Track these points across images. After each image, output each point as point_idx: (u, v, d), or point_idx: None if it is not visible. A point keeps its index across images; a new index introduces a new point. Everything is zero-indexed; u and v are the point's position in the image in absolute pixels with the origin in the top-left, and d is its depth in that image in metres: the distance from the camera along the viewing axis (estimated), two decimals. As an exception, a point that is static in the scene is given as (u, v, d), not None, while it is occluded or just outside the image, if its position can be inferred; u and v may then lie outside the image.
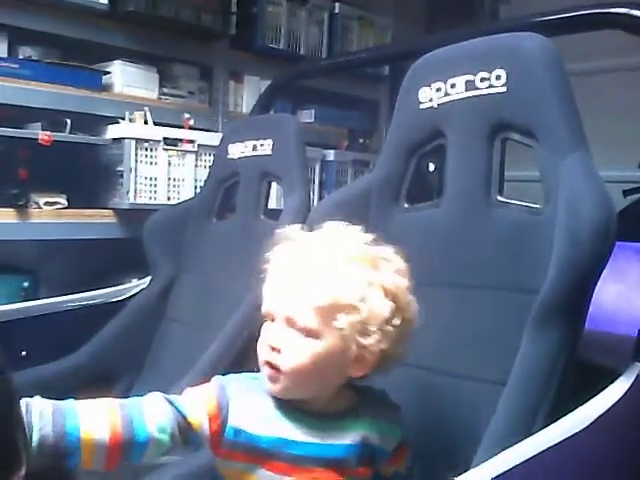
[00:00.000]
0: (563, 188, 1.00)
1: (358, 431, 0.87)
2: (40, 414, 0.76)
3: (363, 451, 0.87)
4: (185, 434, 0.83)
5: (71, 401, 0.81)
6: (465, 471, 0.88)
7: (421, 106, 1.22)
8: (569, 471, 0.86)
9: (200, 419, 0.84)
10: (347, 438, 0.87)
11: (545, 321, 0.94)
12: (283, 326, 0.84)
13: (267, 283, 0.88)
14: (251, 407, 0.86)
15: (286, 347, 0.84)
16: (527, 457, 0.77)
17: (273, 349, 0.84)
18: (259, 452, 0.84)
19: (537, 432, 0.85)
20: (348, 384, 0.91)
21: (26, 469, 0.68)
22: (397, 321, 0.86)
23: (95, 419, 0.79)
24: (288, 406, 0.87)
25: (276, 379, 0.84)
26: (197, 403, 0.85)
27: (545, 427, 0.85)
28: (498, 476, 0.72)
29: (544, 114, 1.06)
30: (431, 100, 1.20)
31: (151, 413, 0.82)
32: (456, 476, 0.83)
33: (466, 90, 1.15)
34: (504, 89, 1.10)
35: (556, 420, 0.86)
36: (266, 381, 0.86)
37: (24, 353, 1.55)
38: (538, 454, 0.79)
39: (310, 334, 0.83)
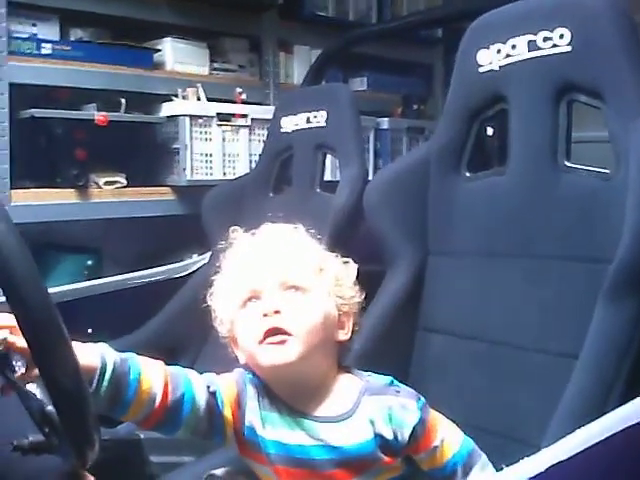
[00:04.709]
0: (634, 152, 0.96)
1: (367, 427, 0.84)
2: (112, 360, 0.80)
3: (378, 444, 0.84)
4: (212, 414, 0.85)
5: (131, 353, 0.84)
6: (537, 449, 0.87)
7: (480, 69, 1.17)
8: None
9: (224, 404, 0.86)
10: (357, 436, 0.84)
11: (619, 292, 0.91)
12: (276, 293, 0.85)
13: (241, 270, 0.88)
14: (260, 411, 0.86)
15: (287, 307, 0.84)
16: (597, 440, 0.74)
17: (276, 312, 0.83)
18: (269, 456, 0.85)
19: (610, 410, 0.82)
20: (351, 381, 0.88)
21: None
22: (356, 287, 0.90)
23: (152, 371, 0.83)
24: (294, 412, 0.86)
25: (285, 342, 0.82)
26: (221, 388, 0.87)
27: (619, 405, 0.82)
28: (569, 458, 0.69)
29: (612, 73, 1.01)
30: (491, 63, 1.16)
31: (194, 380, 0.86)
32: (527, 455, 0.82)
33: (528, 51, 1.10)
34: (569, 48, 1.05)
35: (631, 398, 0.82)
36: (271, 354, 0.83)
37: (90, 331, 1.58)
38: (609, 437, 0.75)
39: (305, 290, 0.86)
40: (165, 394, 0.82)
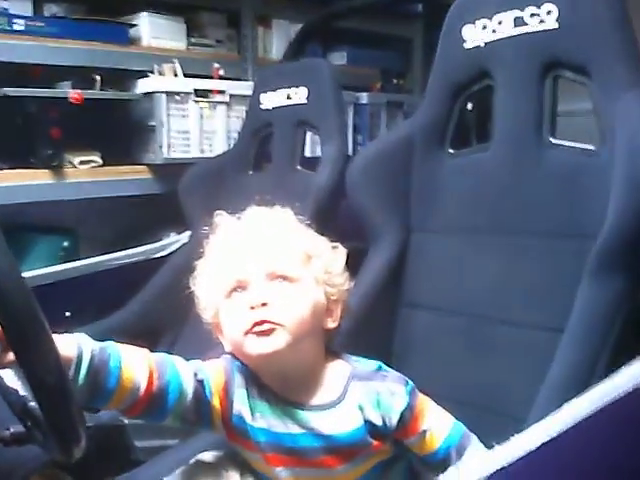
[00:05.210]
0: (620, 129, 0.95)
1: (356, 413, 0.83)
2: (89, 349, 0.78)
3: (368, 429, 0.83)
4: (200, 402, 0.83)
5: (111, 342, 0.82)
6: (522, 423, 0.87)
7: (465, 45, 1.16)
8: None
9: (212, 393, 0.84)
10: (347, 424, 0.83)
11: (604, 268, 0.91)
12: (263, 284, 0.82)
13: (226, 258, 0.85)
14: (249, 400, 0.85)
15: (275, 299, 0.81)
16: (586, 414, 0.73)
17: (263, 304, 0.80)
18: (259, 444, 0.84)
19: (595, 384, 0.82)
20: (339, 367, 0.87)
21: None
22: (345, 274, 0.88)
23: (135, 359, 0.81)
24: (283, 401, 0.85)
25: (273, 331, 0.80)
26: (209, 376, 0.85)
27: (604, 379, 0.82)
28: (560, 435, 0.69)
29: (599, 50, 1.00)
30: (476, 39, 1.14)
31: (181, 367, 0.84)
32: (515, 431, 0.82)
33: (515, 27, 1.09)
34: (556, 25, 1.04)
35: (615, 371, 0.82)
36: (258, 343, 0.80)
37: (68, 314, 1.56)
38: (597, 411, 0.75)
39: (293, 280, 0.83)
40: (150, 382, 0.80)
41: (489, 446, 0.85)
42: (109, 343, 0.81)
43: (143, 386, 0.80)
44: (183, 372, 0.83)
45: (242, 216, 0.90)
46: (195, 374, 0.84)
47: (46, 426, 0.67)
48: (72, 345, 0.76)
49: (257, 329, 0.80)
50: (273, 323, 0.80)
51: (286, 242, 0.85)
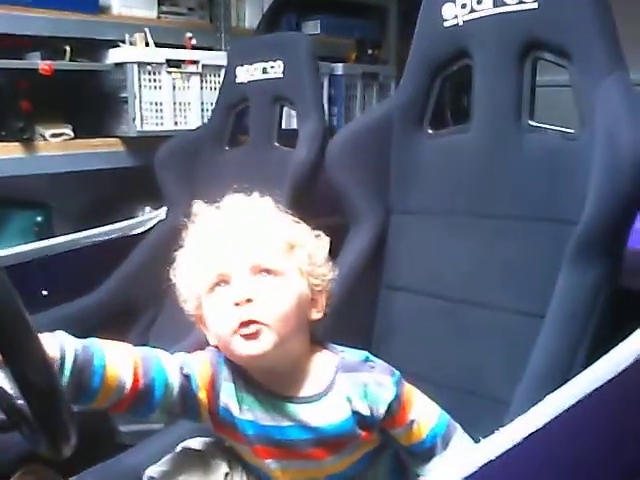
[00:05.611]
0: (600, 112, 0.96)
1: (344, 405, 0.83)
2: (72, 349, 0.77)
3: (356, 420, 0.83)
4: (186, 396, 0.83)
5: (94, 339, 0.81)
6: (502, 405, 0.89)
7: (445, 24, 1.15)
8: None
9: (199, 387, 0.84)
10: (335, 415, 0.83)
11: (584, 255, 0.92)
12: (246, 278, 0.81)
13: (207, 250, 0.83)
14: (236, 393, 0.85)
15: (259, 294, 0.80)
16: (569, 404, 0.75)
17: (248, 301, 0.79)
18: (246, 437, 0.85)
19: (576, 371, 0.84)
20: (326, 358, 0.87)
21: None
22: (329, 263, 0.88)
23: (119, 356, 0.80)
24: (270, 394, 0.85)
25: (260, 333, 0.79)
26: (195, 370, 0.85)
27: (585, 366, 0.84)
28: (544, 426, 0.71)
29: (579, 32, 1.00)
30: (456, 17, 1.13)
31: (166, 362, 0.83)
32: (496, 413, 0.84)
33: (494, 6, 1.08)
34: (535, 5, 1.03)
35: (596, 359, 0.84)
36: (246, 345, 0.80)
37: (45, 293, 1.54)
38: (581, 400, 0.76)
39: (277, 273, 0.82)
40: (135, 379, 0.79)
41: (470, 431, 0.88)
42: (92, 340, 0.80)
43: (129, 383, 0.79)
44: (168, 367, 0.83)
45: (221, 205, 0.87)
46: (181, 368, 0.83)
47: (35, 425, 0.67)
48: (54, 345, 0.75)
49: (244, 332, 0.79)
50: (259, 323, 0.79)
51: (268, 233, 0.84)
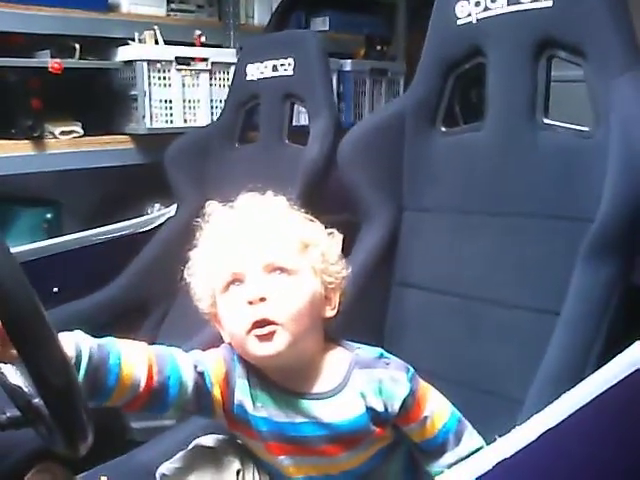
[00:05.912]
0: (615, 111, 0.95)
1: (358, 401, 0.83)
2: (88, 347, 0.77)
3: (370, 416, 0.84)
4: (200, 394, 0.83)
5: (110, 338, 0.81)
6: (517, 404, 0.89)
7: (458, 22, 1.15)
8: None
9: (213, 384, 0.84)
10: (349, 412, 0.83)
11: (599, 252, 0.92)
12: (260, 277, 0.81)
13: (221, 250, 0.84)
14: (250, 390, 0.85)
15: (273, 293, 0.80)
16: (583, 403, 0.75)
17: (261, 299, 0.79)
18: (260, 433, 0.85)
19: (591, 369, 0.84)
20: (340, 355, 0.87)
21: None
22: (342, 261, 0.88)
23: (134, 355, 0.80)
24: (284, 391, 0.85)
25: (274, 334, 0.80)
26: (209, 367, 0.85)
27: (599, 364, 0.83)
28: (558, 425, 0.71)
29: (594, 30, 0.99)
30: (469, 15, 1.13)
31: (181, 360, 0.83)
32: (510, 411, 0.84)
33: (508, 4, 1.08)
34: (550, 3, 1.03)
35: (611, 357, 0.83)
36: (260, 346, 0.80)
37: (56, 290, 1.55)
38: (595, 399, 0.76)
39: (291, 272, 0.82)
40: (150, 377, 0.79)
41: (481, 428, 0.88)
42: (108, 340, 0.80)
43: (143, 382, 0.79)
44: (183, 365, 0.83)
45: (235, 205, 0.88)
46: (195, 366, 0.84)
47: (53, 423, 0.67)
48: (69, 344, 0.75)
49: (258, 332, 0.79)
50: (273, 323, 0.79)
51: (282, 232, 0.84)
